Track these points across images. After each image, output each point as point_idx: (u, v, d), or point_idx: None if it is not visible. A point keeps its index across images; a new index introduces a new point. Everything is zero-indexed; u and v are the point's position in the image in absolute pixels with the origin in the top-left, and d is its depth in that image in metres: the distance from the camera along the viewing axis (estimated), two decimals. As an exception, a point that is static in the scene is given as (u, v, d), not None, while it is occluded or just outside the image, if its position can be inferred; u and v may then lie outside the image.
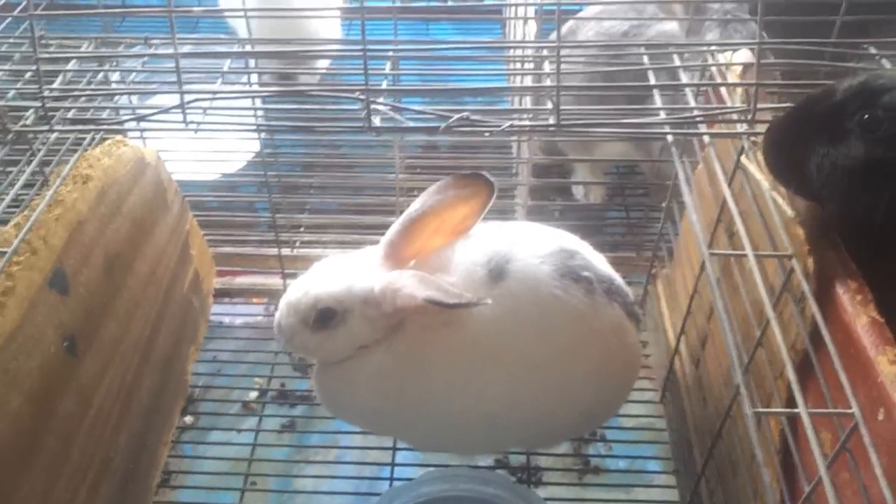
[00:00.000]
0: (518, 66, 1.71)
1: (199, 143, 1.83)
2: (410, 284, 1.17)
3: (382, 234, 1.30)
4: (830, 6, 1.32)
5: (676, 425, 1.57)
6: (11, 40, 1.50)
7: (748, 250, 0.98)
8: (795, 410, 0.80)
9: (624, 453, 1.70)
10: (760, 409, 0.84)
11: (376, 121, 1.13)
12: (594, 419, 1.45)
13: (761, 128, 1.11)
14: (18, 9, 1.72)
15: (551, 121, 1.10)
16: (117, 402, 1.36)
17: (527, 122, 1.18)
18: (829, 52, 1.25)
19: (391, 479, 1.55)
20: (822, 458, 0.76)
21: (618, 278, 1.31)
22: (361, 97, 1.11)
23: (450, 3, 2.37)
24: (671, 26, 1.75)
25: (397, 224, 1.28)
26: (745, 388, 0.85)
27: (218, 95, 1.19)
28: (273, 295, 2.00)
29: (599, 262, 1.31)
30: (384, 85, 1.24)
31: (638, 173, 2.35)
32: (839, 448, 0.78)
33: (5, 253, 1.09)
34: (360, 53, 1.08)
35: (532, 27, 1.68)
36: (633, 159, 2.24)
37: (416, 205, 1.29)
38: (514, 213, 1.93)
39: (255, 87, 1.46)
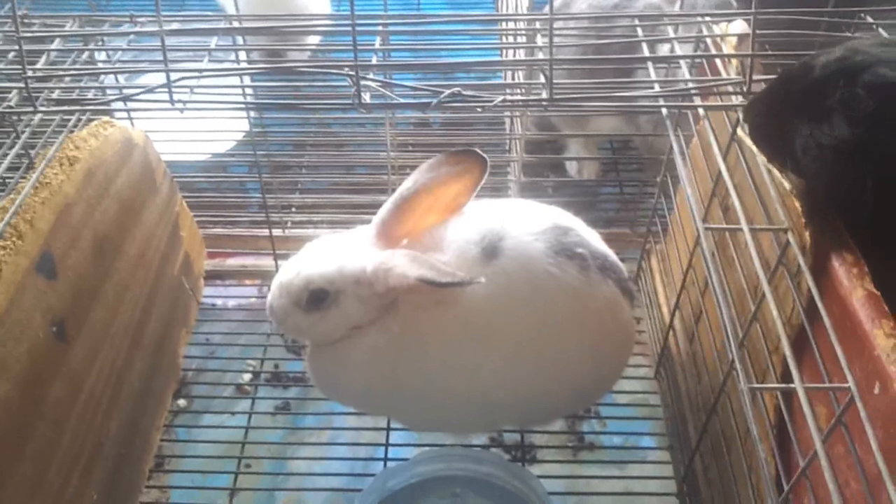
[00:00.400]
0: (511, 39, 1.68)
1: (189, 122, 1.81)
2: (402, 264, 1.16)
3: (375, 213, 1.28)
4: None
5: (671, 401, 1.57)
6: (-3, 20, 1.47)
7: (743, 224, 0.97)
8: (791, 385, 0.79)
9: (618, 429, 1.70)
10: (756, 385, 0.84)
11: (366, 97, 1.10)
12: (588, 396, 1.45)
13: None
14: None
15: (544, 95, 1.08)
16: (108, 386, 1.35)
17: (519, 97, 1.16)
18: (824, 22, 1.23)
19: (385, 459, 1.55)
20: (818, 432, 0.75)
21: (612, 255, 1.30)
22: (351, 73, 1.09)
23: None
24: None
25: (389, 203, 1.27)
26: (739, 363, 0.84)
27: (205, 73, 1.16)
28: (265, 276, 1.99)
29: (593, 239, 1.30)
30: (374, 60, 1.21)
31: (632, 148, 2.34)
32: (835, 422, 0.78)
33: (-9, 237, 1.07)
34: (349, 29, 1.06)
35: (525, 0, 1.66)
36: (625, 134, 2.23)
37: (408, 183, 1.27)
38: (508, 189, 1.91)
39: (243, 65, 1.44)
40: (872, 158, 0.89)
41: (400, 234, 1.27)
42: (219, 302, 1.99)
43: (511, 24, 1.56)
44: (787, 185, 0.97)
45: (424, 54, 1.27)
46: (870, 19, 1.26)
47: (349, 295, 1.23)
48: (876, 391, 0.79)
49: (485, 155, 1.27)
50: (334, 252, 1.26)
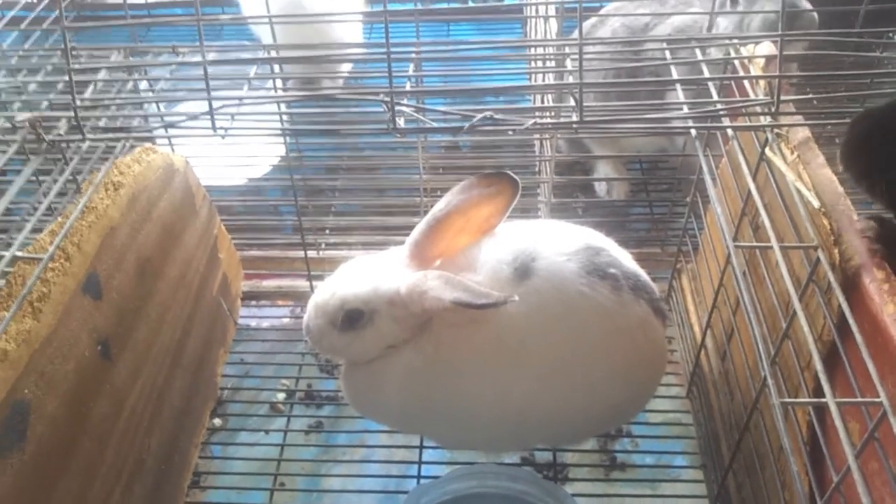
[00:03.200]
0: (540, 64, 1.71)
1: (226, 148, 1.85)
2: (437, 286, 1.18)
3: (407, 234, 1.31)
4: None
5: (703, 420, 1.56)
6: (41, 52, 1.53)
7: (773, 242, 0.98)
8: (823, 400, 0.80)
9: (651, 449, 1.70)
10: (788, 399, 0.85)
11: (400, 122, 1.14)
12: (621, 416, 1.45)
13: (785, 119, 1.11)
14: (48, 21, 1.76)
15: (574, 118, 1.11)
16: (149, 404, 1.38)
17: (549, 120, 1.18)
18: (852, 42, 1.25)
19: (418, 476, 1.56)
20: (851, 447, 0.76)
21: (643, 274, 1.31)
22: (386, 99, 1.12)
23: (470, 4, 2.38)
24: (688, 18, 1.74)
25: (422, 224, 1.29)
26: (771, 378, 0.85)
27: (245, 101, 1.21)
28: (299, 297, 2.02)
29: (625, 259, 1.31)
30: (407, 87, 1.25)
31: (661, 168, 2.35)
32: (867, 437, 0.78)
33: (41, 259, 1.11)
34: (384, 56, 1.10)
35: (553, 25, 1.69)
36: (656, 154, 2.24)
37: (440, 204, 1.30)
38: (538, 210, 1.93)
39: (280, 93, 1.48)
40: None
41: (433, 254, 1.29)
42: (254, 322, 2.03)
43: (539, 50, 1.59)
44: (815, 203, 0.98)
45: (456, 80, 1.30)
46: (897, 39, 1.27)
47: (384, 315, 1.25)
48: (908, 406, 0.79)
49: (516, 177, 1.29)
50: (369, 273, 1.29)
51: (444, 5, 2.43)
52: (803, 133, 1.11)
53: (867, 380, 0.82)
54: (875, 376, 0.79)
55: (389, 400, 1.34)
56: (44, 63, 1.48)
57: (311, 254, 1.96)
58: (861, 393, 0.86)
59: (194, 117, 1.15)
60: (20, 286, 1.08)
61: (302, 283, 1.99)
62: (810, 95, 1.21)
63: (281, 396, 1.83)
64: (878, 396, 0.78)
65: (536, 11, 1.82)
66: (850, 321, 0.85)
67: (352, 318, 1.26)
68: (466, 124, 1.09)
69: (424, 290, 1.19)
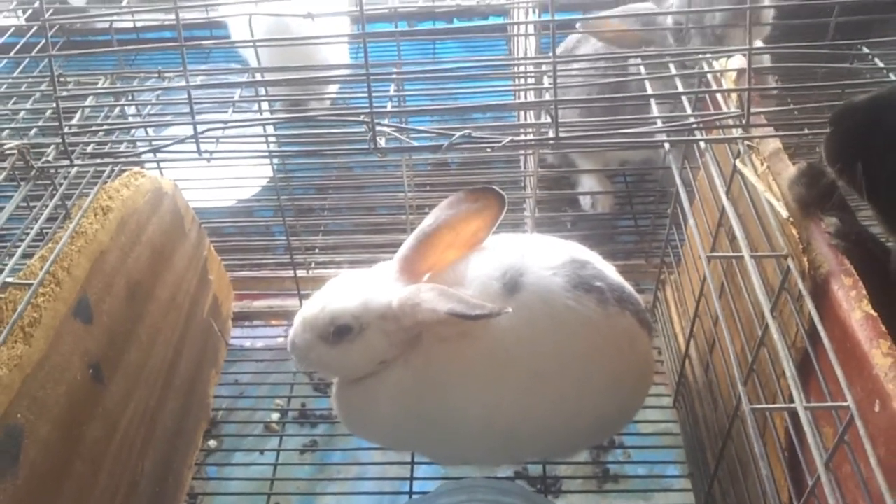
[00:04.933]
0: (522, 81, 1.74)
1: (215, 171, 1.88)
2: (430, 298, 1.19)
3: (394, 251, 1.33)
4: (829, 8, 1.34)
5: (690, 429, 1.58)
6: (30, 80, 1.56)
7: (745, 252, 1.00)
8: (792, 406, 0.82)
9: (642, 459, 1.71)
10: (758, 406, 0.86)
11: (381, 142, 1.16)
12: (610, 427, 1.46)
13: (756, 131, 1.14)
14: (36, 49, 1.79)
15: (551, 134, 1.13)
16: (142, 426, 1.40)
17: (527, 137, 1.21)
18: (825, 55, 1.28)
19: (410, 492, 1.57)
20: (820, 451, 0.78)
21: (628, 287, 1.33)
22: (366, 120, 1.15)
23: (455, 23, 2.41)
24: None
25: (411, 239, 1.31)
26: (743, 387, 0.87)
27: (229, 124, 1.23)
28: (291, 317, 2.01)
29: (609, 271, 1.33)
30: (389, 107, 1.27)
31: (646, 181, 2.37)
32: (837, 441, 0.80)
33: (31, 285, 1.13)
34: (365, 77, 1.12)
35: (533, 42, 1.72)
36: (639, 167, 2.27)
37: (429, 219, 1.32)
38: (524, 225, 1.95)
39: (266, 115, 1.50)
40: None
41: (422, 269, 1.31)
42: (247, 343, 2.04)
43: (522, 68, 1.62)
44: (784, 213, 1.00)
45: (442, 98, 1.32)
46: (866, 50, 1.30)
47: (374, 329, 1.26)
48: (876, 409, 0.81)
49: (502, 192, 1.31)
50: (358, 287, 1.30)
51: (430, 25, 2.46)
52: (774, 144, 1.13)
53: (838, 385, 0.84)
54: (843, 380, 0.81)
55: (381, 417, 1.35)
56: (33, 90, 1.51)
57: (301, 273, 1.98)
58: (832, 398, 0.88)
59: (179, 141, 1.17)
60: (11, 312, 1.10)
61: (293, 303, 2.01)
62: (784, 107, 1.23)
63: (275, 416, 1.84)
64: (847, 401, 0.80)
65: (517, 30, 1.85)
66: (819, 327, 0.87)
67: (341, 332, 1.27)
68: (446, 142, 1.11)
69: (418, 302, 1.20)
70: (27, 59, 1.83)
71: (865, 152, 0.98)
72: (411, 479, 1.59)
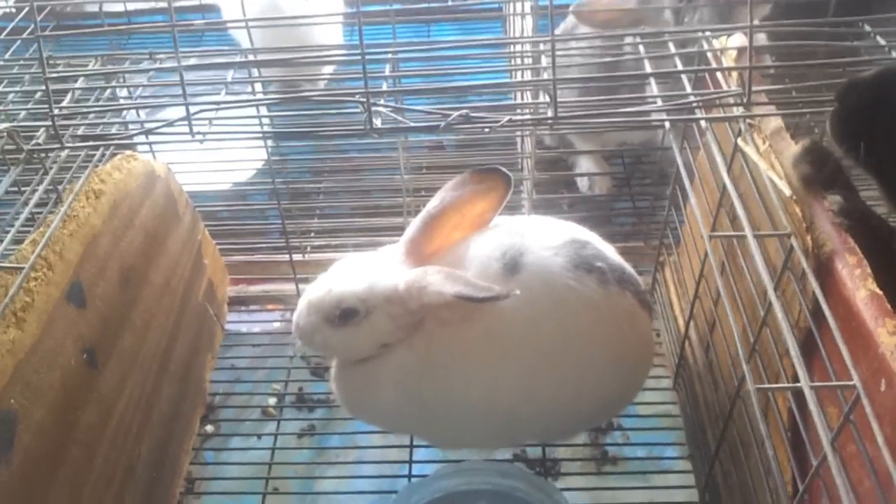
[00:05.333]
0: (519, 61, 1.72)
1: (209, 154, 1.86)
2: (437, 281, 1.18)
3: (392, 234, 1.32)
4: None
5: (690, 410, 1.58)
6: (21, 62, 1.54)
7: (747, 231, 0.99)
8: (798, 385, 0.81)
9: (641, 441, 1.70)
10: (762, 385, 0.86)
11: (377, 122, 1.14)
12: (610, 409, 1.46)
13: (758, 110, 1.13)
14: (27, 32, 1.76)
15: (549, 114, 1.12)
16: (138, 411, 1.39)
17: (525, 116, 1.19)
18: (825, 32, 1.26)
19: (409, 476, 1.57)
20: (826, 430, 0.77)
21: (628, 267, 1.32)
22: (362, 100, 1.13)
23: (449, 4, 2.39)
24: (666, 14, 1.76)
25: (417, 221, 1.30)
26: (748, 367, 0.86)
27: (222, 106, 1.21)
28: (287, 301, 2.03)
29: (610, 252, 1.32)
30: (384, 87, 1.26)
31: (644, 163, 2.36)
32: (843, 421, 0.79)
33: (23, 269, 1.11)
34: (360, 58, 1.10)
35: (530, 23, 1.70)
36: (637, 147, 2.25)
37: (435, 201, 1.31)
38: (522, 207, 1.94)
39: (259, 97, 1.49)
40: None
41: (428, 251, 1.30)
42: (243, 328, 2.03)
43: (518, 47, 1.60)
44: (787, 191, 0.99)
45: (438, 79, 1.31)
46: (868, 28, 1.28)
47: (380, 312, 1.25)
48: (882, 388, 0.81)
49: (508, 173, 1.30)
50: (364, 270, 1.29)
51: (424, 5, 2.44)
52: (776, 123, 1.12)
53: (842, 364, 0.83)
54: (848, 360, 0.80)
55: (382, 400, 1.34)
56: (23, 73, 1.49)
57: (297, 257, 1.96)
58: (837, 377, 0.88)
59: (171, 123, 1.15)
60: (3, 296, 1.08)
61: (289, 287, 2.00)
62: (784, 85, 1.21)
63: (272, 401, 1.84)
64: (853, 380, 0.79)
65: (514, 10, 1.83)
66: (824, 306, 0.86)
67: (348, 315, 1.26)
68: (443, 123, 1.10)
69: (424, 285, 1.20)
70: (17, 43, 1.80)
71: (872, 129, 0.97)
72: (410, 462, 1.59)
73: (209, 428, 1.77)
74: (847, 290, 0.88)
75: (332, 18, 1.96)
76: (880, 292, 0.85)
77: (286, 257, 1.92)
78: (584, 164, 2.25)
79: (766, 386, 0.90)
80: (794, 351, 0.84)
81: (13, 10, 2.01)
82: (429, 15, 2.16)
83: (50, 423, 1.13)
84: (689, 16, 1.73)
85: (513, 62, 1.72)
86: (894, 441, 0.78)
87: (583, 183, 2.25)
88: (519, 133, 2.01)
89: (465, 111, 1.11)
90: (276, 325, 2.03)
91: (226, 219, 2.19)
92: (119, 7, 2.39)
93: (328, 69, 2.18)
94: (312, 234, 2.17)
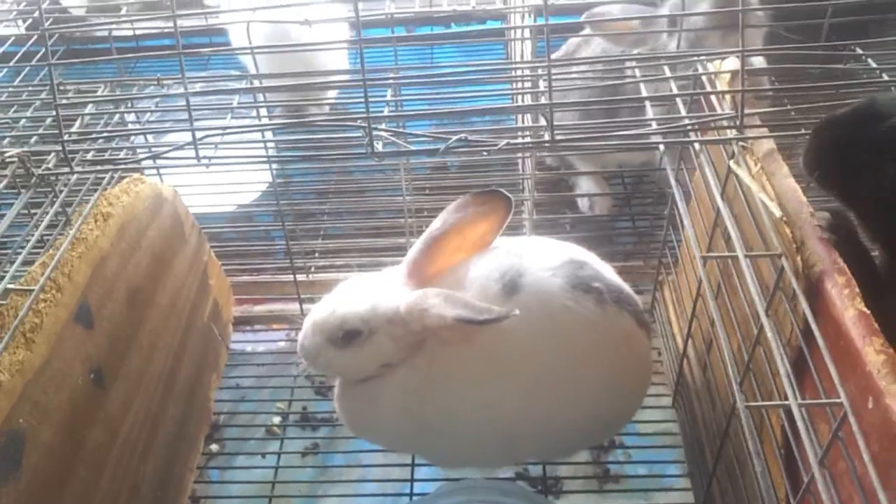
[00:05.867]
0: (519, 85, 1.75)
1: (215, 176, 1.89)
2: (437, 304, 1.20)
3: (394, 255, 1.33)
4: (824, 9, 1.35)
5: (689, 429, 1.59)
6: (31, 88, 1.57)
7: (739, 252, 1.01)
8: (786, 403, 0.82)
9: (643, 459, 1.71)
10: (752, 404, 0.87)
11: (378, 146, 1.17)
12: (609, 428, 1.47)
13: (751, 132, 1.15)
14: (37, 57, 1.80)
15: (546, 137, 1.14)
16: (143, 430, 1.41)
17: (524, 140, 1.21)
18: (819, 55, 1.29)
19: (411, 494, 1.58)
20: (815, 448, 0.78)
21: (626, 287, 1.34)
22: (363, 125, 1.16)
23: (453, 28, 2.43)
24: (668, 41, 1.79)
25: (419, 243, 1.32)
26: (738, 386, 0.87)
27: (227, 131, 1.24)
28: (291, 321, 2.04)
29: (608, 272, 1.33)
30: (386, 111, 1.28)
31: (645, 182, 2.38)
32: (831, 438, 0.81)
33: (32, 291, 1.14)
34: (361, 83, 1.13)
35: (529, 46, 1.73)
36: (636, 168, 2.28)
37: (437, 223, 1.32)
38: (523, 228, 1.96)
39: (264, 121, 1.52)
40: None
41: (430, 273, 1.31)
42: (248, 347, 2.05)
43: (518, 71, 1.63)
44: (777, 213, 1.01)
45: (441, 103, 1.33)
46: (860, 51, 1.31)
47: (382, 333, 1.27)
48: (870, 406, 0.82)
49: (509, 195, 1.32)
50: (367, 291, 1.31)
51: (427, 30, 2.48)
52: (768, 145, 1.14)
53: (832, 382, 0.84)
54: (836, 377, 0.82)
55: (384, 419, 1.36)
56: (33, 98, 1.52)
57: (301, 277, 1.99)
58: (827, 395, 0.89)
59: (178, 147, 1.18)
60: (12, 318, 1.11)
61: (293, 307, 2.02)
62: (778, 108, 1.24)
63: (277, 420, 1.85)
64: (840, 398, 0.81)
65: (513, 34, 1.86)
66: (813, 325, 0.88)
67: (351, 336, 1.28)
68: (442, 146, 1.12)
69: (425, 307, 1.21)
70: (27, 68, 1.84)
71: (845, 164, 0.99)
72: (412, 480, 1.60)
73: (214, 447, 1.78)
74: (836, 310, 0.90)
75: (336, 44, 1.99)
76: (868, 311, 0.87)
77: (290, 277, 1.95)
78: (585, 185, 2.27)
79: (757, 404, 0.92)
80: (783, 369, 0.86)
81: (24, 35, 2.05)
82: (428, 40, 2.19)
83: (57, 443, 1.15)
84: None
85: (513, 86, 1.75)
86: (882, 458, 0.79)
87: (583, 203, 2.27)
88: (520, 155, 2.04)
89: (463, 135, 1.13)
90: (281, 344, 2.05)
91: (231, 240, 2.22)
92: (128, 31, 2.43)
93: (333, 93, 2.21)
94: (316, 255, 2.19)
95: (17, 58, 1.92)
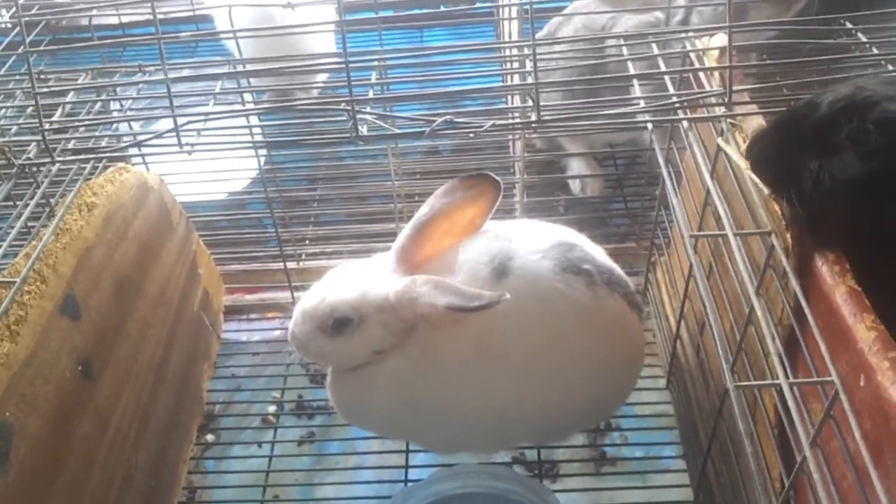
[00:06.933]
0: (508, 65, 1.73)
1: (203, 164, 1.87)
2: (427, 292, 1.19)
3: (386, 240, 1.32)
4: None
5: (683, 410, 1.58)
6: (17, 78, 1.55)
7: (728, 230, 0.99)
8: (777, 382, 0.81)
9: (639, 441, 1.71)
10: (741, 383, 0.86)
11: (363, 130, 1.15)
12: (601, 410, 1.46)
13: (739, 109, 1.13)
14: (21, 48, 1.78)
15: (533, 117, 1.12)
16: (135, 421, 1.40)
17: (510, 121, 1.20)
18: (810, 31, 1.27)
19: (405, 481, 1.57)
20: (806, 427, 0.77)
21: (617, 269, 1.33)
22: (347, 108, 1.14)
23: (442, 9, 2.41)
24: (648, 17, 1.77)
25: (408, 229, 1.31)
26: (727, 365, 0.86)
27: (210, 116, 1.22)
28: (283, 309, 2.04)
29: (598, 254, 1.32)
30: (370, 94, 1.27)
31: (636, 163, 2.37)
32: (823, 417, 0.80)
33: (15, 283, 1.13)
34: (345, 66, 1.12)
35: (517, 27, 1.71)
36: (625, 149, 2.26)
37: (424, 209, 1.31)
38: (514, 210, 1.95)
39: (248, 106, 1.50)
40: (886, 191, 0.92)
41: (419, 259, 1.30)
42: (242, 337, 2.04)
43: (507, 51, 1.61)
44: (766, 190, 1.00)
45: (429, 85, 1.31)
46: (849, 25, 1.29)
47: (372, 321, 1.26)
48: (861, 383, 0.81)
49: (497, 178, 1.31)
50: (357, 279, 1.29)
51: (416, 11, 2.45)
52: (757, 122, 1.13)
53: (823, 361, 0.83)
54: (826, 356, 0.81)
55: (377, 406, 1.35)
56: (15, 88, 1.50)
57: (292, 265, 1.97)
58: (818, 374, 0.88)
59: (159, 135, 1.16)
60: (-5, 311, 1.10)
61: (285, 295, 2.01)
62: (764, 84, 1.22)
63: (272, 409, 1.84)
64: (832, 376, 0.80)
65: (500, 14, 1.84)
66: (803, 303, 0.87)
67: (341, 323, 1.27)
68: (427, 129, 1.11)
69: (415, 296, 1.20)
70: (13, 59, 1.81)
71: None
72: (407, 467, 1.60)
73: (209, 437, 1.78)
74: (826, 287, 0.89)
75: (320, 27, 1.97)
76: (859, 288, 0.86)
77: (281, 265, 1.93)
78: (576, 167, 2.26)
79: (747, 384, 0.91)
80: (773, 348, 0.84)
81: (8, 25, 2.03)
82: (414, 21, 2.17)
83: (46, 435, 1.14)
84: (689, 16, 1.74)
85: (502, 66, 1.73)
86: (874, 435, 0.78)
87: (575, 185, 2.25)
88: (510, 137, 2.02)
89: (449, 117, 1.12)
90: (275, 333, 2.04)
91: (221, 228, 2.20)
92: (114, 20, 2.40)
93: (321, 77, 2.19)
94: (307, 242, 2.18)
95: (1, 47, 1.90)
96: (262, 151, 1.84)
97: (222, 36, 2.06)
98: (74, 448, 1.21)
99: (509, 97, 1.98)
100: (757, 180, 1.00)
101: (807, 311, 0.86)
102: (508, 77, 1.69)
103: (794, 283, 0.90)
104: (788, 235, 0.95)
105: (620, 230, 2.18)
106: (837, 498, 0.75)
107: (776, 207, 0.98)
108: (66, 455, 1.19)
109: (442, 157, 2.44)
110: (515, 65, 1.47)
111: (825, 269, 0.90)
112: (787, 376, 0.81)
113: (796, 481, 0.90)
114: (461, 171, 1.35)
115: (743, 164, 1.03)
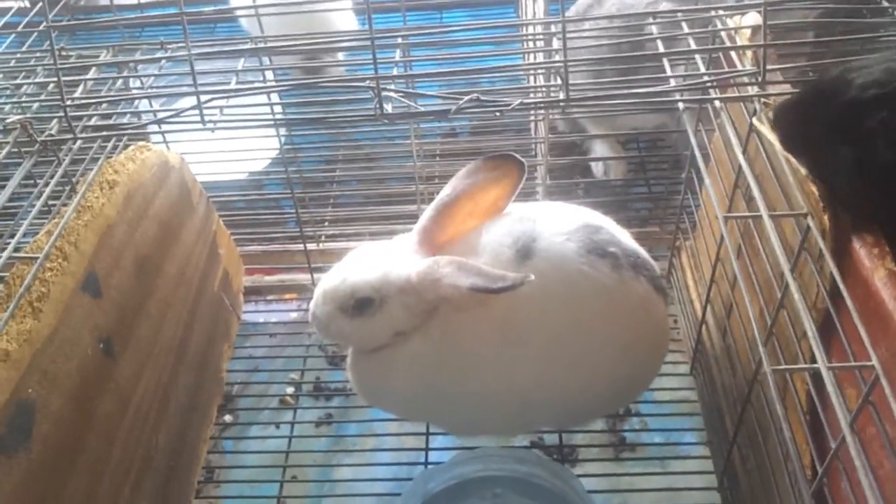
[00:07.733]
0: (531, 44, 1.71)
1: (223, 143, 1.86)
2: (450, 273, 1.17)
3: (406, 222, 1.31)
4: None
5: (708, 396, 1.56)
6: (38, 55, 1.55)
7: (763, 211, 0.97)
8: (815, 366, 0.79)
9: (659, 427, 1.70)
10: (778, 367, 0.84)
11: (388, 108, 1.14)
12: (625, 395, 1.45)
13: (773, 89, 1.11)
14: (43, 25, 1.77)
15: (561, 96, 1.10)
16: (155, 400, 1.39)
17: (537, 99, 1.18)
18: (843, 9, 1.24)
19: (426, 463, 1.57)
20: (844, 412, 0.75)
21: (643, 252, 1.31)
22: (371, 86, 1.12)
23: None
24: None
25: (430, 210, 1.29)
26: (764, 349, 0.84)
27: (232, 94, 1.21)
28: (302, 290, 2.03)
29: (624, 237, 1.30)
30: (394, 72, 1.25)
31: (660, 147, 2.34)
32: (862, 402, 0.78)
33: (37, 259, 1.12)
34: (370, 44, 1.10)
35: (541, 6, 1.68)
36: (652, 131, 2.23)
37: (447, 189, 1.29)
38: (536, 193, 1.93)
39: (270, 84, 1.48)
40: None
41: (441, 240, 1.29)
42: (260, 318, 2.04)
43: (531, 29, 1.58)
44: (803, 170, 0.97)
45: (450, 64, 1.30)
46: (886, 3, 1.26)
47: (394, 302, 1.25)
48: (902, 369, 0.79)
49: (521, 159, 1.29)
50: (379, 260, 1.28)
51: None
52: (790, 101, 1.10)
53: (861, 345, 0.81)
54: (866, 340, 0.79)
55: (397, 388, 1.34)
56: (37, 66, 1.49)
57: (311, 246, 1.97)
58: (856, 358, 0.86)
59: (182, 112, 1.15)
60: (18, 286, 1.09)
61: (304, 276, 2.00)
62: (797, 64, 1.19)
63: (290, 390, 1.85)
64: (871, 360, 0.78)
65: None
66: (841, 286, 0.85)
67: (362, 304, 1.26)
68: (453, 107, 1.09)
69: (438, 277, 1.19)
70: (34, 36, 1.81)
71: (806, 147, 0.96)
72: (426, 449, 1.59)
73: (228, 418, 1.78)
74: (865, 270, 0.87)
75: (344, 8, 1.95)
76: (899, 271, 0.84)
77: (301, 247, 1.92)
78: (599, 149, 2.23)
79: (783, 367, 0.89)
80: (811, 332, 0.82)
81: (27, 4, 2.02)
82: (439, 2, 2.15)
83: (68, 413, 1.13)
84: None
85: (525, 45, 1.71)
86: (914, 422, 0.76)
87: (598, 168, 2.23)
88: (532, 118, 2.00)
89: (475, 94, 1.10)
90: (294, 315, 2.04)
91: (241, 209, 2.20)
92: (133, 0, 2.40)
93: (341, 56, 2.17)
94: (327, 224, 2.17)
95: (21, 25, 1.90)
96: (283, 131, 1.83)
97: (243, 14, 2.04)
98: (96, 427, 1.21)
99: (531, 78, 1.96)
100: (794, 161, 0.98)
101: (845, 293, 0.84)
102: (531, 56, 1.66)
103: (831, 265, 0.88)
104: (826, 217, 0.93)
105: (641, 214, 2.15)
106: (875, 484, 0.73)
107: (813, 189, 0.96)
108: (87, 433, 1.19)
109: (461, 139, 2.42)
110: (540, 44, 1.44)
111: (863, 252, 0.88)
112: (824, 360, 0.79)
113: (830, 468, 0.89)
114: (481, 153, 1.32)
115: (778, 145, 1.01)
